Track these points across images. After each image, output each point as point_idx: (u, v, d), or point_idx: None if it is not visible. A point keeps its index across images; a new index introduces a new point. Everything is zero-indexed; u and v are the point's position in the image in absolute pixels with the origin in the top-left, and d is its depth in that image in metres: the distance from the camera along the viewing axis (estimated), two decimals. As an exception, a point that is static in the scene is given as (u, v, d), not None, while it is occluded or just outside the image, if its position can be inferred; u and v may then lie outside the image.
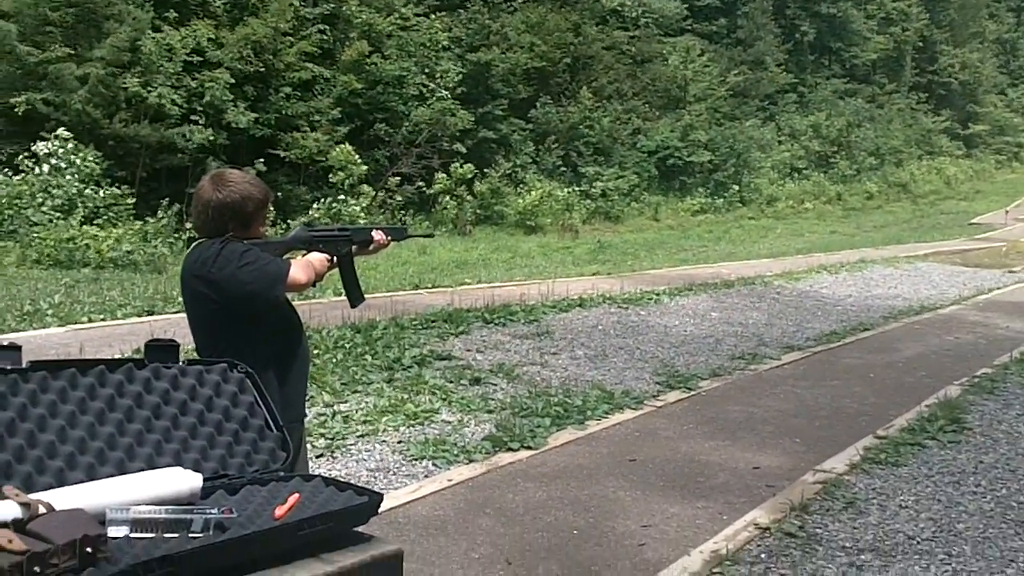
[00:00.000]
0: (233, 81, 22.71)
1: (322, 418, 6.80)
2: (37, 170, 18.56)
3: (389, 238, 3.85)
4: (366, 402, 7.30)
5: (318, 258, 3.50)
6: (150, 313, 10.44)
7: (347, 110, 25.58)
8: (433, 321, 10.27)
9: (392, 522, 5.01)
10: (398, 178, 25.52)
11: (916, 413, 7.41)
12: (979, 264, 21.73)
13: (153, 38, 21.79)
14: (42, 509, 1.84)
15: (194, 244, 3.44)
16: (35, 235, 16.70)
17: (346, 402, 7.31)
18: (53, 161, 18.75)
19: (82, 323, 9.85)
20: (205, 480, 2.09)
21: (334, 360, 8.41)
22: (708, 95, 37.90)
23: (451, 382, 8.07)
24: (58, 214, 17.98)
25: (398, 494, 5.48)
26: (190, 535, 1.87)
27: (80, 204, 18.46)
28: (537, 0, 33.82)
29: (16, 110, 20.39)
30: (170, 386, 2.27)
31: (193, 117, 22.25)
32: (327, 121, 24.83)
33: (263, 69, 23.72)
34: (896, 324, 12.38)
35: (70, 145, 19.09)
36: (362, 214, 23.35)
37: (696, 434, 6.89)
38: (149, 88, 21.43)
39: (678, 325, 11.42)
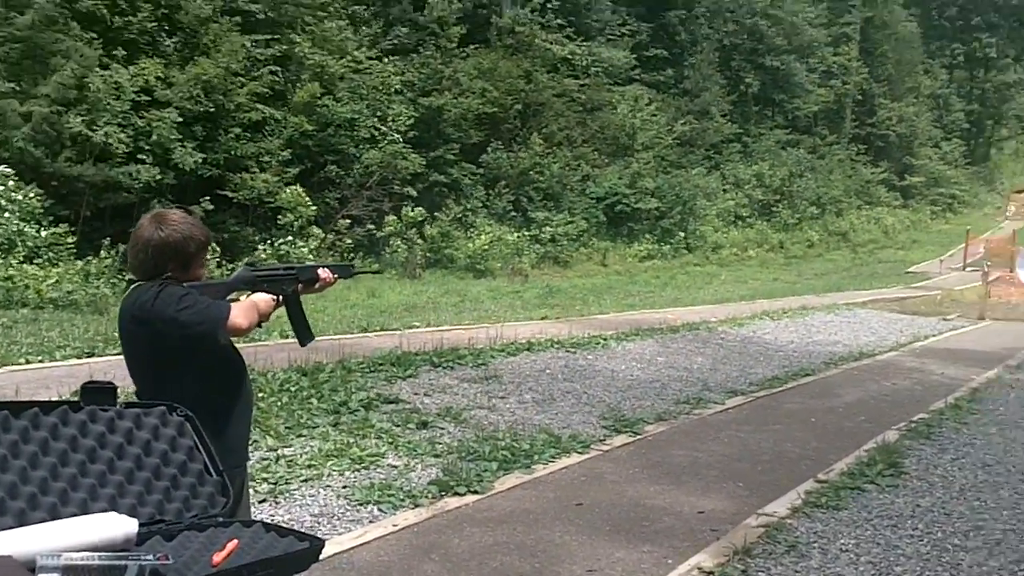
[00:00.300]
0: (181, 120, 22.55)
1: (265, 462, 6.73)
2: (-22, 208, 18.28)
3: (336, 276, 3.83)
4: (311, 446, 7.24)
5: (263, 299, 3.47)
6: (90, 355, 10.29)
7: (298, 151, 25.53)
8: (381, 364, 10.23)
9: (335, 568, 4.97)
10: (348, 220, 25.45)
11: (855, 457, 7.53)
12: (916, 312, 22.18)
13: (101, 76, 21.61)
14: (-26, 555, 1.82)
15: (132, 286, 3.40)
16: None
17: (290, 446, 7.25)
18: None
19: (18, 364, 9.68)
20: (141, 525, 2.07)
21: (279, 403, 8.34)
22: (656, 143, 38.40)
23: (398, 426, 8.04)
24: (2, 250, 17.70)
25: (342, 539, 5.44)
26: (125, 582, 1.86)
27: (20, 243, 18.18)
28: (489, 47, 34.14)
29: (-44, 146, 20.12)
30: (106, 429, 2.26)
31: (140, 156, 22.05)
32: (277, 162, 24.74)
33: (213, 109, 23.60)
34: (836, 370, 12.58)
35: (11, 183, 18.83)
36: (311, 256, 23.24)
37: (642, 478, 6.93)
38: (95, 127, 21.22)
39: (625, 369, 11.50)
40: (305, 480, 6.45)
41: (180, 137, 22.64)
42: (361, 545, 5.38)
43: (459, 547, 5.38)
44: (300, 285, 3.70)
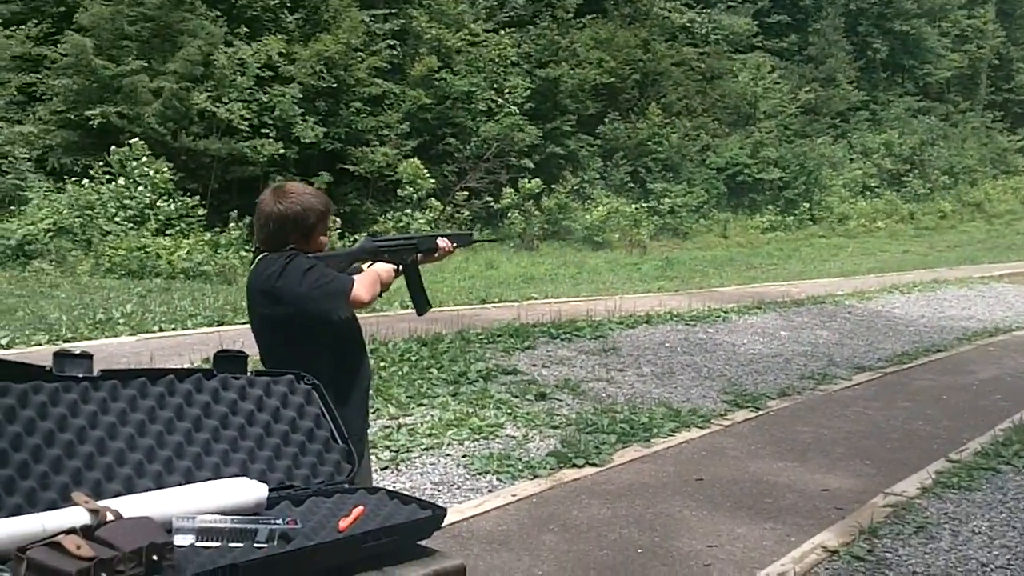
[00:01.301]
0: (303, 95, 22.99)
1: (387, 431, 6.82)
2: (115, 182, 18.96)
3: (455, 244, 3.85)
4: (431, 415, 7.31)
5: (384, 268, 3.49)
6: (219, 324, 10.59)
7: (416, 125, 25.76)
8: (499, 335, 10.26)
9: (455, 536, 5.00)
10: (466, 192, 25.61)
11: (990, 437, 7.21)
12: (1058, 286, 21.15)
13: (225, 53, 22.15)
14: (110, 516, 1.85)
15: (259, 257, 3.46)
16: (108, 245, 17.05)
17: (411, 415, 7.32)
18: (128, 172, 19.18)
19: (153, 332, 10.03)
20: (271, 491, 2.09)
21: (400, 373, 8.45)
22: (778, 112, 37.45)
23: (516, 397, 8.05)
24: (131, 224, 18.36)
25: (462, 508, 5.47)
26: (255, 545, 1.87)
27: (152, 215, 18.84)
28: (606, 16, 33.76)
29: (91, 122, 20.85)
30: (238, 397, 2.28)
31: (264, 130, 22.57)
32: (396, 135, 25.02)
33: (334, 84, 23.98)
34: (970, 346, 12.08)
35: (144, 157, 19.50)
36: (428, 228, 23.48)
37: (764, 454, 6.77)
38: (220, 103, 21.80)
39: (746, 343, 11.27)
40: (426, 449, 6.50)
41: (302, 112, 23.07)
42: (481, 514, 5.40)
43: (577, 518, 5.35)
44: (419, 255, 3.72)
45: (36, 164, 20.77)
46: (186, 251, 17.31)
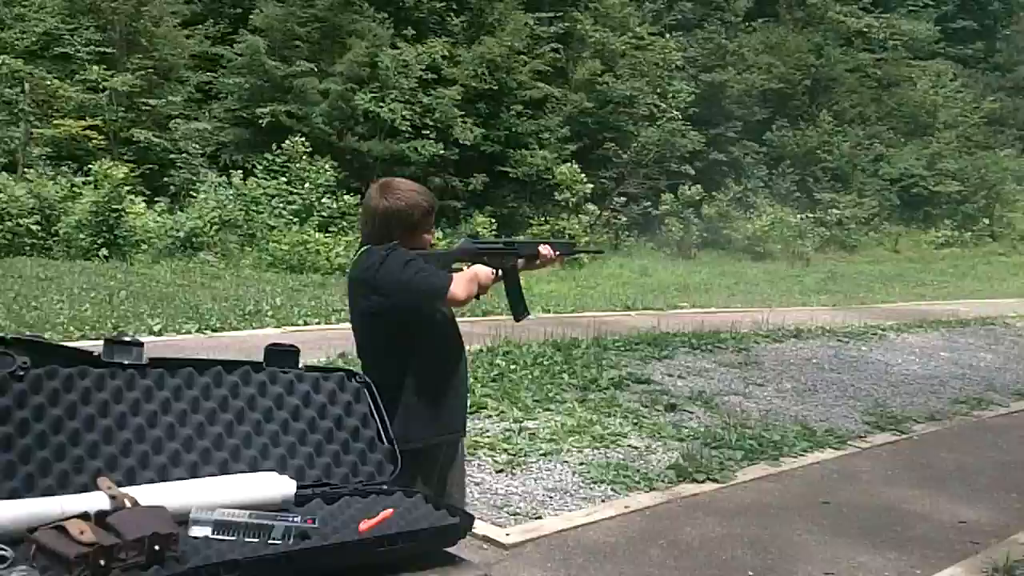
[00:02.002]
0: (459, 98, 23.31)
1: (508, 433, 6.76)
2: (279, 179, 19.68)
3: (558, 253, 3.78)
4: (555, 420, 7.21)
5: (484, 271, 3.44)
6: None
7: (576, 128, 25.78)
8: (637, 343, 10.08)
9: (560, 545, 4.89)
10: (623, 198, 25.45)
11: None
12: None
13: (390, 55, 22.69)
14: (127, 503, 1.84)
15: (361, 250, 3.47)
16: (271, 239, 17.68)
17: (535, 419, 7.25)
18: (291, 170, 19.87)
19: (297, 325, 10.29)
20: (304, 487, 2.05)
21: (530, 376, 8.39)
22: (959, 122, 35.73)
23: (646, 407, 7.87)
24: (294, 220, 18.99)
25: (572, 516, 5.35)
26: (269, 541, 1.83)
27: (315, 212, 19.44)
28: (777, 20, 32.97)
29: (261, 121, 21.74)
30: (284, 391, 2.26)
31: (425, 132, 23.00)
32: (555, 139, 25.09)
33: (496, 87, 24.24)
34: None
35: (305, 156, 20.15)
36: (583, 233, 23.43)
37: (900, 480, 6.39)
38: (382, 104, 22.32)
39: (900, 363, 10.72)
40: (544, 454, 6.41)
41: (462, 114, 23.40)
42: (590, 523, 5.27)
43: (689, 535, 5.16)
44: (520, 260, 3.67)
45: (209, 160, 21.76)
46: (343, 248, 17.75)
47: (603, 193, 25.52)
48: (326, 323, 10.62)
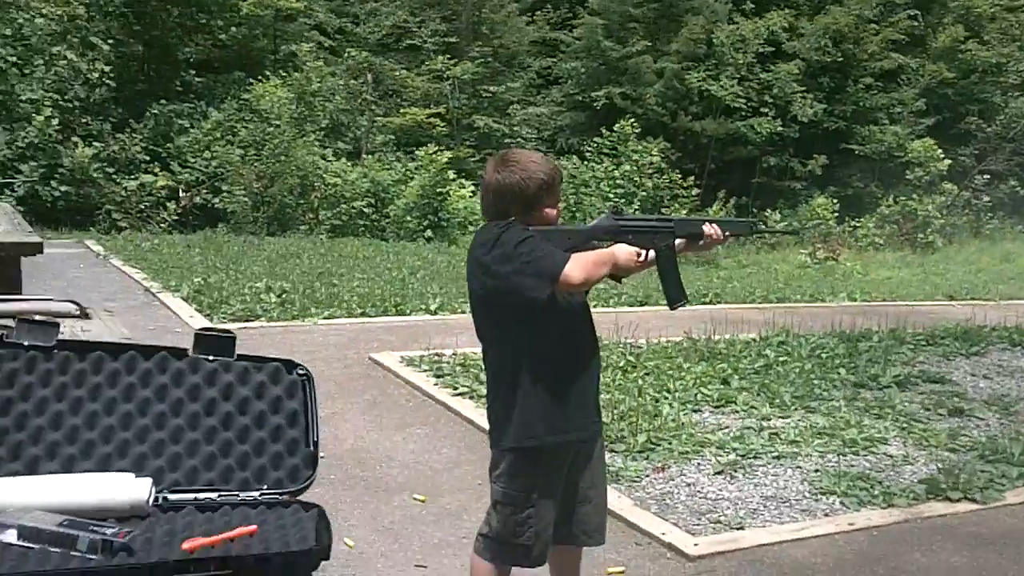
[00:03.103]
0: (799, 73, 22.12)
1: (745, 431, 6.19)
2: (605, 162, 19.67)
3: (727, 232, 3.33)
4: (808, 420, 6.53)
5: (624, 251, 3.06)
6: (642, 304, 10.50)
7: (933, 101, 23.67)
8: (942, 338, 8.99)
9: (754, 561, 4.36)
10: (986, 176, 23.03)
11: None
12: None
13: (725, 30, 21.97)
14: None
15: (481, 226, 3.22)
16: (591, 221, 17.68)
17: (787, 417, 6.60)
18: (620, 152, 19.78)
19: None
20: (185, 490, 1.85)
21: (799, 369, 7.70)
22: None
23: (926, 410, 6.93)
24: (621, 200, 18.89)
25: (779, 530, 4.76)
26: (73, 553, 1.64)
27: (640, 192, 19.23)
28: None
29: (595, 103, 21.86)
30: (203, 381, 2.06)
31: (762, 109, 22.09)
32: (909, 113, 23.19)
33: (841, 59, 22.79)
34: None
35: (636, 138, 19.96)
36: (939, 215, 21.47)
37: None
38: (716, 82, 21.69)
39: None
40: (777, 457, 5.79)
41: (803, 89, 22.23)
42: (798, 540, 4.65)
43: (916, 563, 4.41)
44: (680, 241, 3.26)
45: (547, 144, 22.21)
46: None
47: (962, 171, 23.24)
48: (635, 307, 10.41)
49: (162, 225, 16.00)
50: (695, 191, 20.20)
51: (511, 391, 3.08)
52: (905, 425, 6.51)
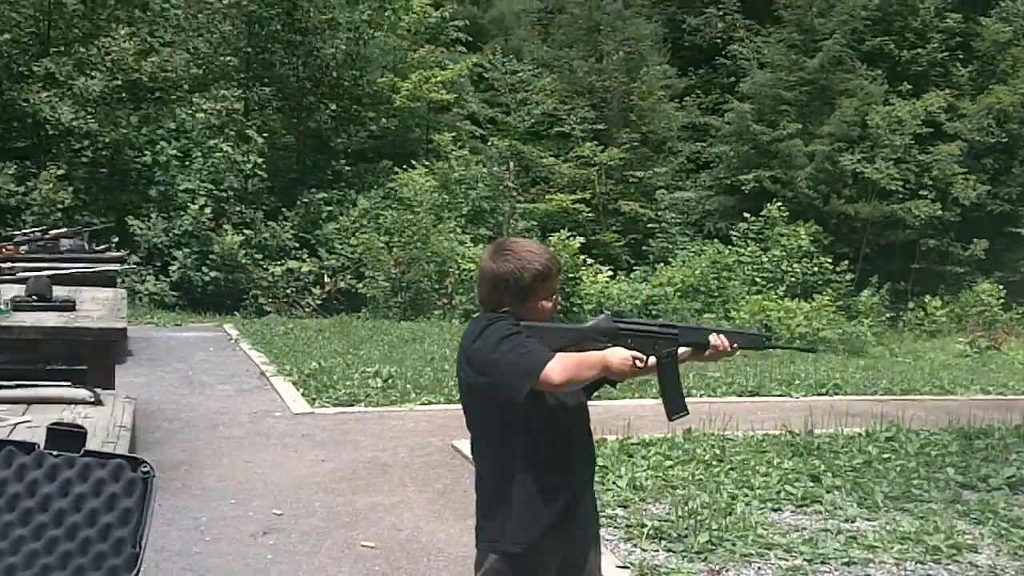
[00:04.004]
0: (960, 154, 21.23)
1: (820, 534, 5.81)
2: (750, 246, 19.28)
3: (735, 345, 3.18)
4: (894, 523, 6.09)
5: (619, 355, 2.93)
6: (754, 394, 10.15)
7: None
8: (1082, 432, 8.29)
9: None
10: None
11: None
12: None
13: (879, 112, 21.38)
14: None
15: (475, 316, 3.20)
16: (732, 307, 17.32)
17: (873, 520, 6.17)
18: (766, 236, 19.38)
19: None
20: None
21: (901, 467, 7.21)
22: None
23: (1038, 515, 6.38)
24: (767, 285, 18.42)
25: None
26: None
27: (789, 277, 18.72)
28: None
29: (744, 188, 21.56)
30: (44, 476, 2.08)
31: (921, 192, 21.30)
32: (1083, 194, 21.89)
33: (1006, 139, 21.78)
34: None
35: (784, 221, 19.53)
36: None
37: None
38: (871, 164, 21.07)
39: None
40: (847, 563, 5.39)
41: (965, 171, 21.33)
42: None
43: None
44: (684, 350, 3.14)
45: (694, 228, 22.02)
46: (803, 316, 16.81)
47: None
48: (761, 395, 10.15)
49: (306, 309, 16.59)
50: (848, 276, 19.53)
51: (494, 491, 2.99)
52: (1004, 532, 5.99)
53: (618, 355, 2.90)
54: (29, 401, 3.29)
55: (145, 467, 2.17)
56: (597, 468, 6.95)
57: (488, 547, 3.00)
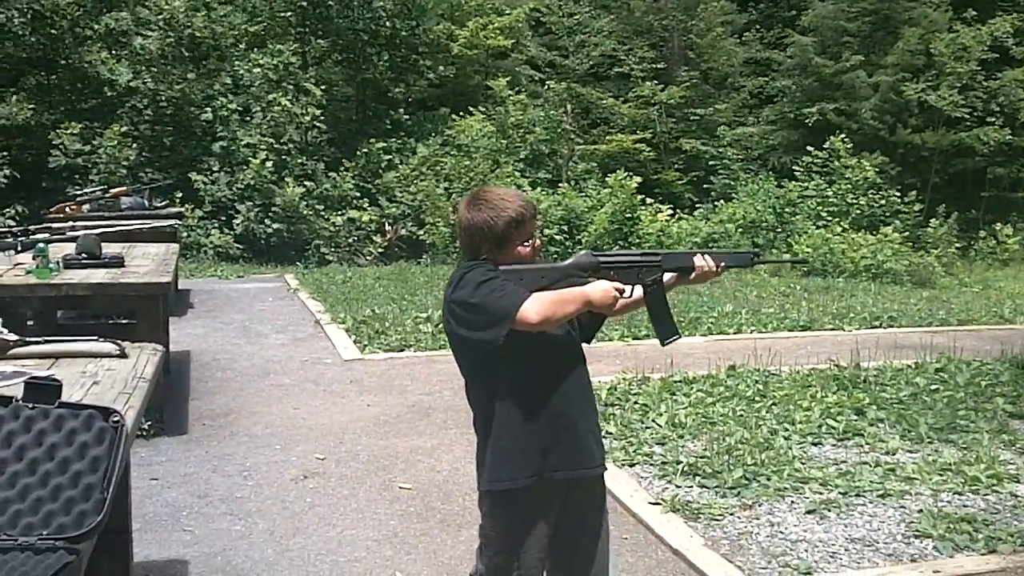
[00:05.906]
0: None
1: (861, 467, 5.79)
2: (814, 180, 18.93)
3: (722, 265, 3.21)
4: (936, 454, 6.04)
5: (600, 287, 2.96)
6: (805, 329, 10.03)
7: None
8: None
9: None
10: None
11: None
12: None
13: (943, 39, 20.74)
14: None
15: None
16: (794, 241, 17.05)
17: (915, 452, 6.14)
18: (831, 169, 19.01)
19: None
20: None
21: (948, 399, 7.13)
22: None
23: (1086, 445, 6.27)
24: (832, 219, 18.08)
25: (839, 576, 4.44)
26: None
27: (850, 211, 18.37)
28: None
29: (808, 121, 21.14)
30: (20, 428, 2.19)
31: (989, 119, 20.67)
32: None
33: (1079, 59, 21.02)
34: None
35: (848, 153, 19.11)
36: None
37: None
38: (936, 91, 20.49)
39: None
40: (883, 495, 5.37)
41: (1030, 95, 20.69)
42: (859, 589, 4.34)
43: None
44: (669, 275, 3.18)
45: (758, 164, 21.69)
46: (868, 249, 16.47)
47: None
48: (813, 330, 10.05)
49: (368, 258, 16.79)
50: (917, 207, 19.10)
51: (485, 431, 3.05)
52: (1051, 461, 5.92)
53: (599, 287, 2.92)
54: (57, 355, 3.42)
55: (115, 416, 2.26)
56: (637, 406, 7.04)
57: (483, 487, 3.07)
